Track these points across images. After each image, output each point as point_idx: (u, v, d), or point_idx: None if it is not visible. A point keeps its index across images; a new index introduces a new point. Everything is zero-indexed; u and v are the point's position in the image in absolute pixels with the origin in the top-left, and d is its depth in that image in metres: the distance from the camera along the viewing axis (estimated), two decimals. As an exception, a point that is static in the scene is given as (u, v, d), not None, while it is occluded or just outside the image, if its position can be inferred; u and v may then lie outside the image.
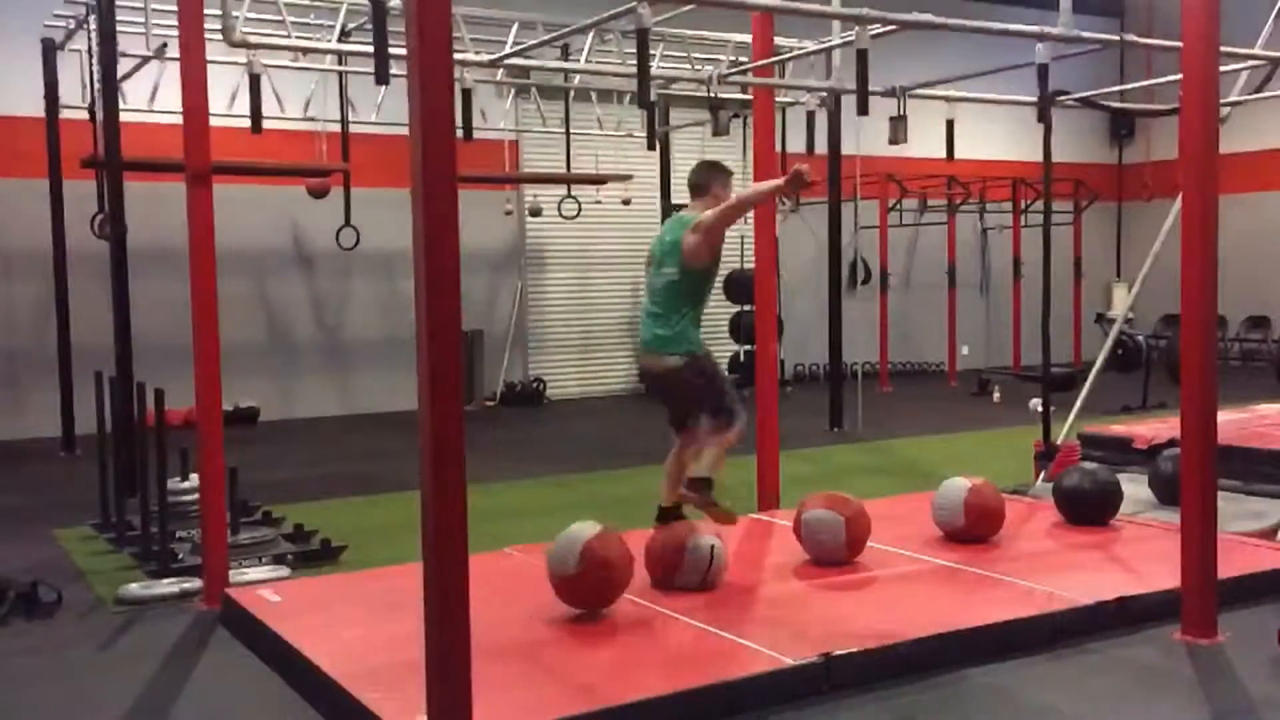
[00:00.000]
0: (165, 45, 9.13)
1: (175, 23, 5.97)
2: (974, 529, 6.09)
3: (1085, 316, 16.70)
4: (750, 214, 7.59)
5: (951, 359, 16.04)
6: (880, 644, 4.60)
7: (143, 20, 9.12)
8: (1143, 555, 5.97)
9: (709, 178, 5.64)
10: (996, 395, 14.01)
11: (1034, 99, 6.75)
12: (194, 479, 6.40)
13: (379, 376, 13.02)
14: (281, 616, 5.03)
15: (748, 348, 14.04)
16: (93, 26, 9.22)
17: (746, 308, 13.78)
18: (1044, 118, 6.96)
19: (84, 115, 10.50)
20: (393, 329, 12.93)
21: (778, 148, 8.84)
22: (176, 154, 5.88)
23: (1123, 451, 7.98)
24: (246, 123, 7.05)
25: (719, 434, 5.46)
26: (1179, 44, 5.00)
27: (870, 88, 5.91)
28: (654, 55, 7.99)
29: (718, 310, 15.33)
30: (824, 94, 9.45)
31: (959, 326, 16.15)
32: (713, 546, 5.26)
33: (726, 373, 5.68)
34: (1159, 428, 8.18)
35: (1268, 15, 8.56)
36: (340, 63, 10.01)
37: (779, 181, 5.46)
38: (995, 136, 15.77)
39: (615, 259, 15.10)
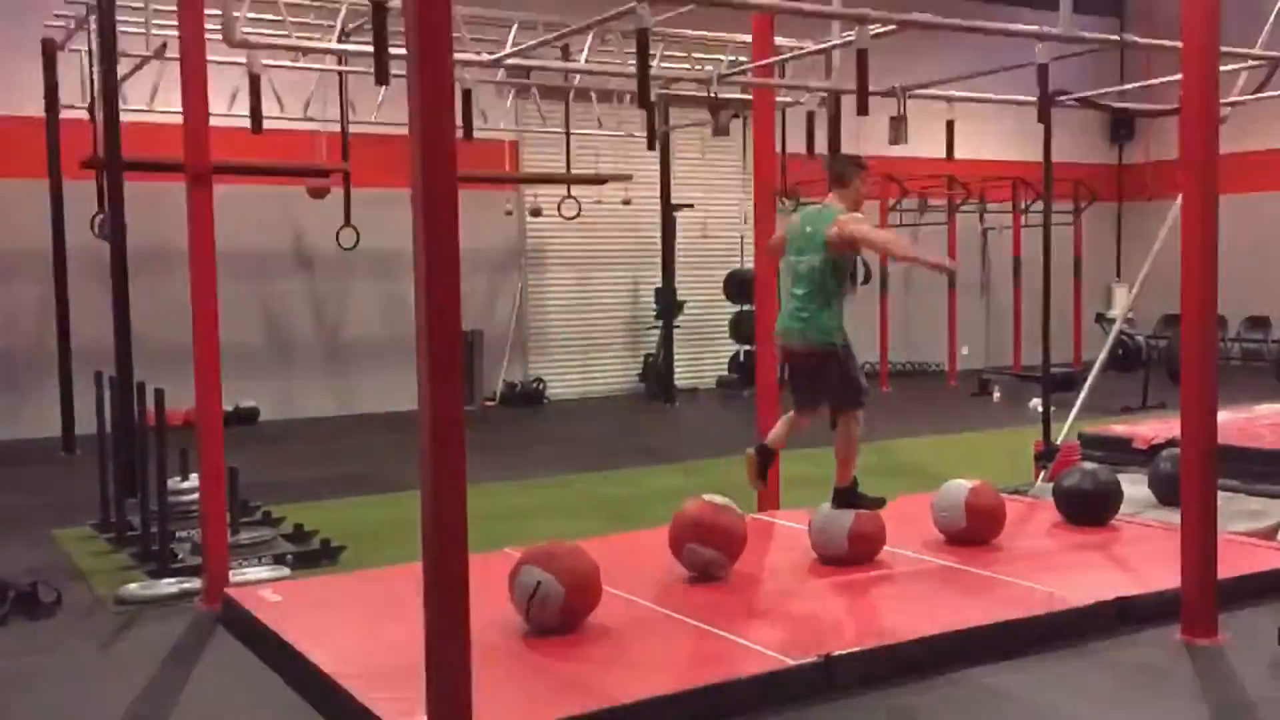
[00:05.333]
0: (165, 45, 9.13)
1: (175, 23, 5.98)
2: (975, 531, 6.08)
3: (1085, 316, 16.69)
4: (751, 214, 7.65)
5: (951, 359, 16.03)
6: (880, 644, 4.61)
7: (143, 20, 9.11)
8: (1143, 555, 5.97)
9: (852, 171, 5.92)
10: (996, 395, 14.00)
11: (1034, 99, 6.75)
12: (194, 479, 6.40)
13: (379, 376, 13.01)
14: (281, 616, 5.04)
15: (748, 348, 14.06)
16: (93, 27, 9.22)
17: (746, 308, 13.79)
18: (1044, 118, 6.95)
19: (84, 115, 10.50)
20: (393, 329, 12.92)
21: (778, 148, 8.84)
22: (176, 154, 5.88)
23: (1123, 451, 7.98)
24: (246, 123, 7.05)
25: (844, 420, 5.95)
26: (1179, 44, 5.00)
27: (870, 88, 5.91)
28: (654, 55, 7.98)
29: (718, 310, 15.36)
30: (824, 94, 9.45)
31: (959, 326, 16.15)
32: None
33: (860, 367, 6.12)
34: (1159, 428, 8.18)
35: (1268, 15, 8.56)
36: (340, 63, 10.01)
37: (925, 256, 6.14)
38: (995, 136, 15.76)
39: (615, 259, 15.10)
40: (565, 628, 4.70)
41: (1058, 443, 8.26)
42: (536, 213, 13.85)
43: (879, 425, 11.69)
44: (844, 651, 4.44)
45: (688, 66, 10.46)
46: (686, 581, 5.53)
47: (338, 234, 12.20)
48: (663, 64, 10.04)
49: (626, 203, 14.10)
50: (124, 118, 8.80)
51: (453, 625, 3.47)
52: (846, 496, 5.90)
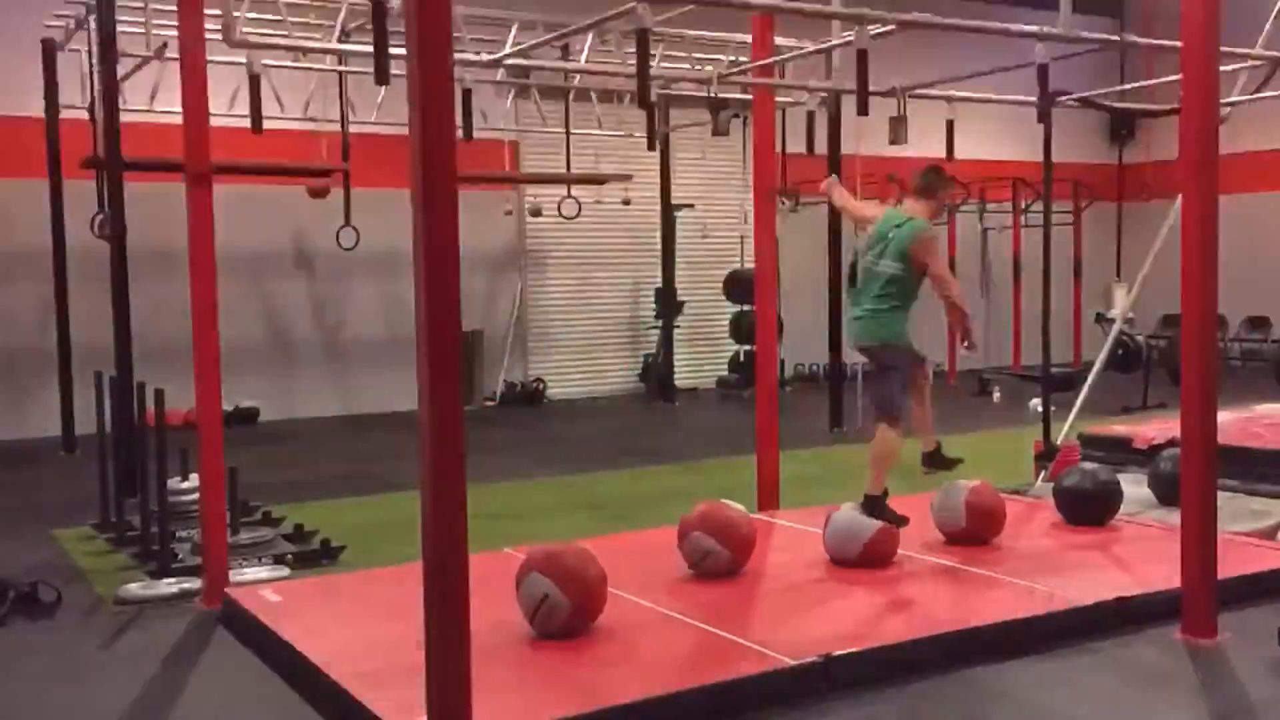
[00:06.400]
0: (165, 45, 9.12)
1: (175, 23, 5.97)
2: (975, 530, 6.08)
3: (1085, 316, 16.68)
4: (751, 214, 7.75)
5: (951, 359, 16.02)
6: (880, 644, 4.61)
7: (143, 20, 9.11)
8: (1143, 555, 5.97)
9: (939, 184, 6.28)
10: (996, 395, 14.00)
11: (1034, 99, 6.75)
12: (194, 479, 6.40)
13: (379, 376, 13.01)
14: (281, 616, 5.04)
15: (748, 348, 14.06)
16: (93, 26, 9.22)
17: (746, 308, 13.80)
18: (1044, 118, 6.95)
19: (84, 115, 10.49)
20: (393, 329, 12.93)
21: (778, 148, 8.84)
22: (176, 154, 5.88)
23: (1123, 451, 7.98)
24: (246, 123, 7.05)
25: (880, 428, 6.09)
26: (1179, 44, 5.00)
27: (870, 88, 5.91)
28: (654, 55, 7.97)
29: (718, 310, 15.37)
30: (824, 94, 9.45)
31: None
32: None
33: (906, 374, 6.30)
34: (1159, 428, 8.18)
35: (1268, 15, 8.56)
36: (340, 63, 10.00)
37: (961, 310, 6.31)
38: (995, 136, 15.75)
39: (615, 259, 15.10)
40: (569, 634, 4.71)
41: (1058, 443, 8.25)
42: (536, 213, 13.84)
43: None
44: (844, 651, 4.44)
45: (688, 66, 10.46)
46: (687, 581, 5.53)
47: (338, 234, 12.20)
48: (663, 64, 10.03)
49: (626, 203, 14.10)
50: (124, 118, 8.80)
51: (453, 625, 3.47)
52: (873, 505, 5.93)
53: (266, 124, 7.08)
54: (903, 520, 5.97)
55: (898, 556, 5.83)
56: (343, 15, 8.26)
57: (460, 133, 6.08)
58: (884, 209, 6.42)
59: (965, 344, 6.36)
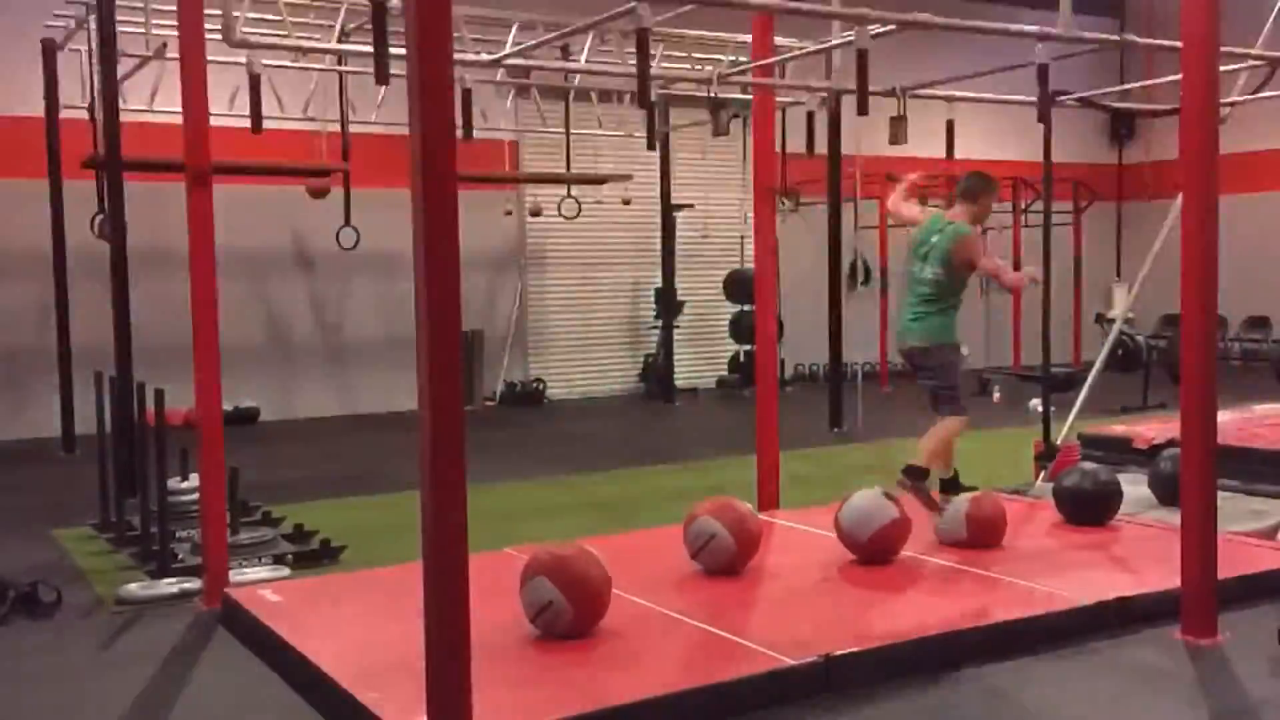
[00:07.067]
0: (165, 45, 9.13)
1: (175, 23, 5.97)
2: (976, 541, 6.03)
3: (1085, 316, 16.68)
4: (751, 214, 7.77)
5: (951, 359, 16.02)
6: (880, 644, 4.60)
7: (143, 20, 9.11)
8: (1143, 555, 5.97)
9: (982, 189, 6.42)
10: (996, 395, 14.00)
11: (1034, 99, 6.74)
12: (194, 479, 6.40)
13: (379, 376, 13.01)
14: (281, 616, 5.04)
15: (748, 348, 14.06)
16: (93, 27, 9.22)
17: (746, 308, 13.80)
18: (1044, 118, 6.94)
19: (84, 115, 10.50)
20: (393, 329, 12.92)
21: (778, 148, 8.85)
22: (176, 154, 5.88)
23: (1123, 451, 7.99)
24: (246, 123, 7.05)
25: (943, 417, 6.29)
26: (1179, 44, 5.00)
27: (870, 88, 5.91)
28: (654, 55, 7.97)
29: (718, 310, 15.37)
30: (824, 94, 9.45)
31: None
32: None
33: (961, 370, 6.45)
34: (1159, 428, 8.18)
35: (1268, 15, 8.56)
36: (340, 63, 10.00)
37: (1007, 276, 6.47)
38: (995, 136, 15.76)
39: (615, 259, 15.10)
40: (571, 637, 4.70)
41: (1058, 443, 8.25)
42: (536, 213, 13.85)
43: (879, 425, 11.73)
44: (844, 651, 4.44)
45: (688, 66, 10.46)
46: (687, 581, 5.53)
47: (338, 234, 12.20)
48: (663, 64, 10.04)
49: (626, 203, 14.10)
50: (124, 118, 8.80)
51: (453, 625, 3.47)
52: (915, 475, 6.13)
53: (266, 124, 7.08)
54: (935, 505, 6.00)
55: (900, 556, 5.83)
56: (343, 15, 8.25)
57: (460, 133, 6.08)
58: (928, 214, 6.48)
59: (1028, 281, 6.56)
